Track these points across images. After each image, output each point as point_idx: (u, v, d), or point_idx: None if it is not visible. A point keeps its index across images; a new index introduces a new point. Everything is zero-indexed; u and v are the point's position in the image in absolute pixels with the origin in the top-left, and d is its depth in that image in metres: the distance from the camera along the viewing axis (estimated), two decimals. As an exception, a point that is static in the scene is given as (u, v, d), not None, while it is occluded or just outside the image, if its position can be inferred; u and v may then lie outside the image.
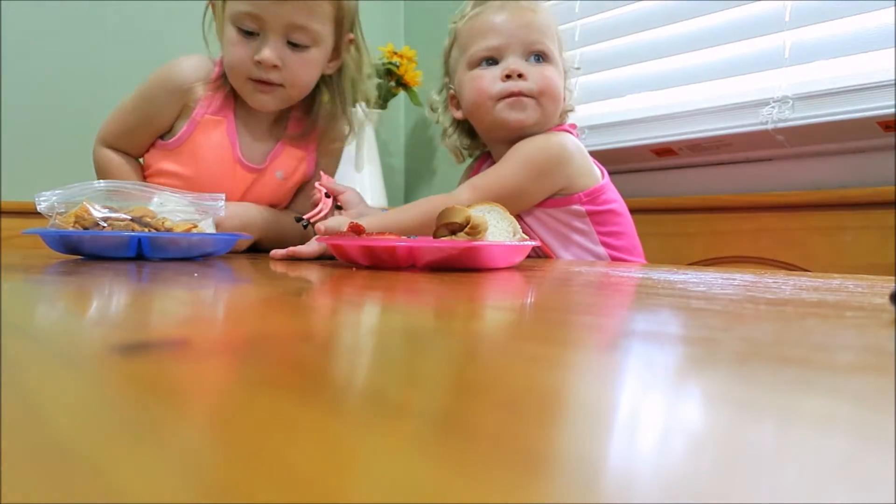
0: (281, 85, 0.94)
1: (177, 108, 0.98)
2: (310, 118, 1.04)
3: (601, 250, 0.96)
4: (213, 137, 0.98)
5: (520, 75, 0.92)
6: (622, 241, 0.97)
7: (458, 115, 1.02)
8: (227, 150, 0.99)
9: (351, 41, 1.02)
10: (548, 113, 0.95)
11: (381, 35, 1.92)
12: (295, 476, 0.10)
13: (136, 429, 0.13)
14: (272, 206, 1.04)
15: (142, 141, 1.01)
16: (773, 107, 1.12)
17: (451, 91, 1.02)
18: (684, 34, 1.28)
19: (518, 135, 0.95)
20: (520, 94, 0.92)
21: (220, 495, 0.10)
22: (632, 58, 1.36)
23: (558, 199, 0.94)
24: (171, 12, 1.60)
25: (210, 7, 0.99)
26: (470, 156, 1.09)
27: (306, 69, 0.96)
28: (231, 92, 0.99)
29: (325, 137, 1.06)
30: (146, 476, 0.10)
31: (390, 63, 1.76)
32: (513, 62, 0.93)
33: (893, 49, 1.00)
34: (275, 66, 0.92)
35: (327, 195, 0.85)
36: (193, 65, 0.99)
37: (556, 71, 0.95)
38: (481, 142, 1.05)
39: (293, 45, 0.93)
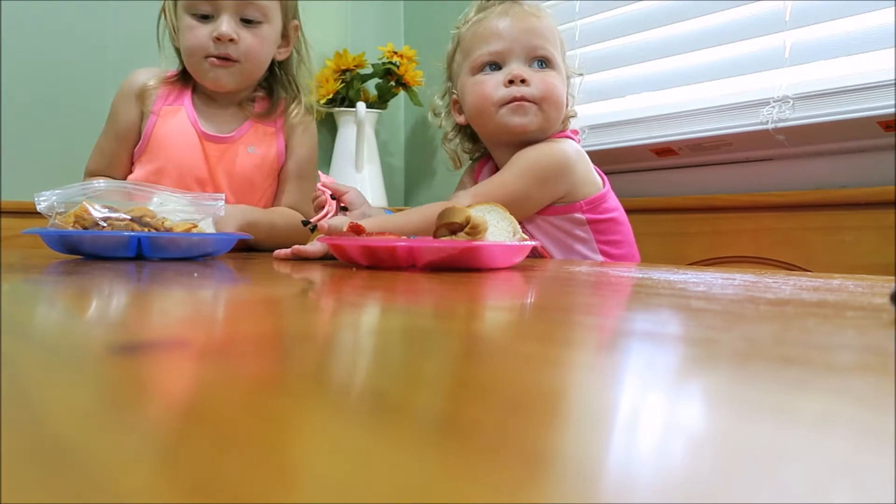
0: (237, 61, 0.99)
1: (137, 110, 1.04)
2: (273, 97, 1.09)
3: (599, 259, 0.96)
4: (174, 123, 1.04)
5: (522, 80, 0.92)
6: (621, 250, 0.97)
7: (461, 119, 1.02)
8: (189, 128, 1.04)
9: (296, 28, 1.08)
10: (550, 119, 0.94)
11: (381, 35, 1.92)
12: (295, 476, 0.10)
13: (135, 429, 0.13)
14: (251, 185, 1.08)
15: (120, 160, 1.07)
16: (773, 107, 1.12)
17: (454, 96, 1.02)
18: (684, 34, 1.28)
19: (520, 140, 0.95)
20: (522, 99, 0.92)
21: (219, 495, 0.10)
22: (632, 58, 1.36)
23: (559, 206, 0.93)
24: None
25: (162, 13, 1.05)
26: (471, 159, 1.09)
27: (260, 44, 1.02)
28: (186, 84, 1.06)
29: (288, 114, 1.11)
30: (146, 476, 0.10)
31: (390, 63, 1.76)
32: (516, 67, 0.93)
33: (893, 49, 1.00)
34: (231, 40, 0.98)
35: (332, 197, 0.85)
36: (144, 71, 1.08)
37: (558, 76, 0.95)
38: (482, 145, 1.05)
39: (246, 23, 1.00)
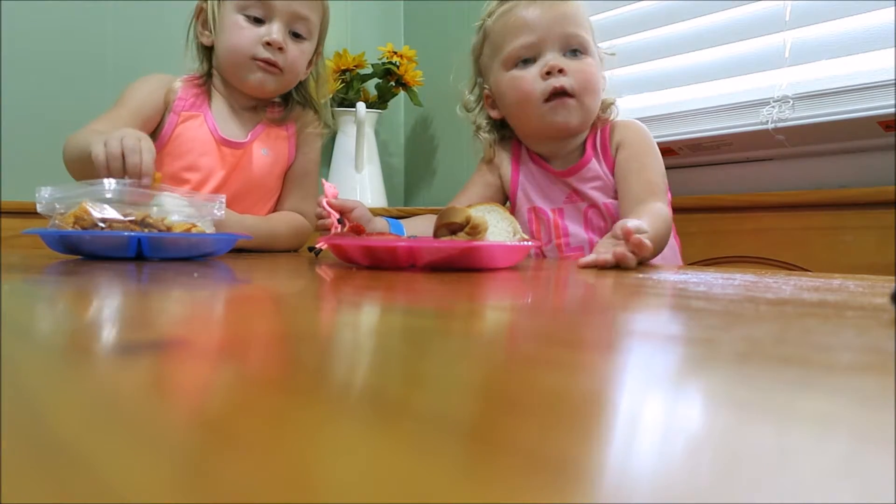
0: (281, 70, 1.00)
1: (162, 99, 1.03)
2: (287, 106, 1.10)
3: (679, 260, 0.96)
4: (195, 129, 1.03)
5: (560, 70, 0.90)
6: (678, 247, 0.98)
7: (495, 114, 1.00)
8: (208, 135, 1.03)
9: (319, 55, 1.10)
10: (589, 110, 0.93)
11: (381, 35, 1.92)
12: (295, 476, 0.10)
13: (135, 429, 0.13)
14: (265, 187, 1.08)
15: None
16: (773, 106, 1.12)
17: (486, 90, 1.00)
18: (684, 34, 1.28)
19: (562, 135, 0.94)
20: (563, 90, 0.90)
21: (219, 496, 0.10)
22: (631, 58, 1.36)
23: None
24: (172, 13, 1.60)
25: (198, 12, 1.04)
26: (503, 149, 1.06)
27: (301, 59, 1.03)
28: (204, 91, 1.05)
29: (301, 121, 1.12)
30: (146, 476, 0.10)
31: (390, 63, 1.75)
32: (552, 58, 0.90)
33: (893, 49, 1.00)
34: (280, 48, 0.98)
35: (339, 220, 0.84)
36: (164, 73, 1.07)
37: (594, 63, 0.94)
38: (512, 134, 1.03)
39: (293, 35, 1.01)
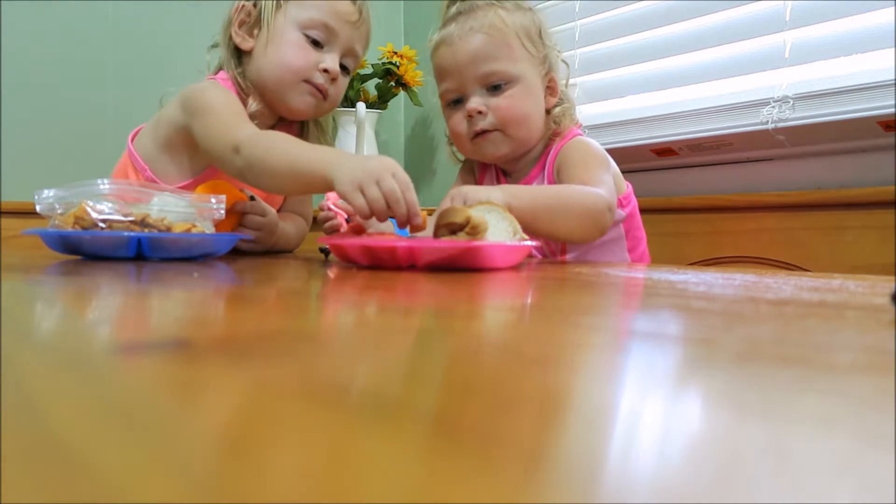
0: (325, 99, 0.97)
1: None
2: (302, 130, 1.07)
3: (626, 258, 0.96)
4: None
5: (480, 112, 0.91)
6: (640, 249, 0.98)
7: None
8: None
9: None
10: (519, 138, 0.93)
11: (381, 35, 1.92)
12: (295, 476, 0.10)
13: (135, 429, 0.13)
14: (273, 203, 1.06)
15: None
16: (773, 106, 1.12)
17: None
18: (684, 34, 1.28)
19: (498, 162, 0.97)
20: (483, 132, 0.91)
21: (219, 496, 0.10)
22: (631, 58, 1.36)
23: None
24: (172, 12, 1.60)
25: (239, 9, 0.97)
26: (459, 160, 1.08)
27: (341, 92, 1.01)
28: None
29: (309, 132, 1.09)
30: (146, 476, 0.10)
31: (390, 63, 1.75)
32: (472, 101, 0.91)
33: (893, 49, 1.00)
34: (334, 80, 0.96)
35: (347, 220, 0.84)
36: (195, 80, 0.99)
37: (520, 89, 0.91)
38: None
39: (341, 68, 0.98)
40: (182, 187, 0.94)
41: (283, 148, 0.79)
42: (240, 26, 0.97)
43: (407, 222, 0.67)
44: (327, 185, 0.71)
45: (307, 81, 0.94)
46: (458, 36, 0.92)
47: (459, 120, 0.94)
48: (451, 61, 0.92)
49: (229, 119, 0.87)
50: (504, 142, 0.92)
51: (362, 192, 0.66)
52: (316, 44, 0.95)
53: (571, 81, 1.03)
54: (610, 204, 0.82)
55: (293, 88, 0.95)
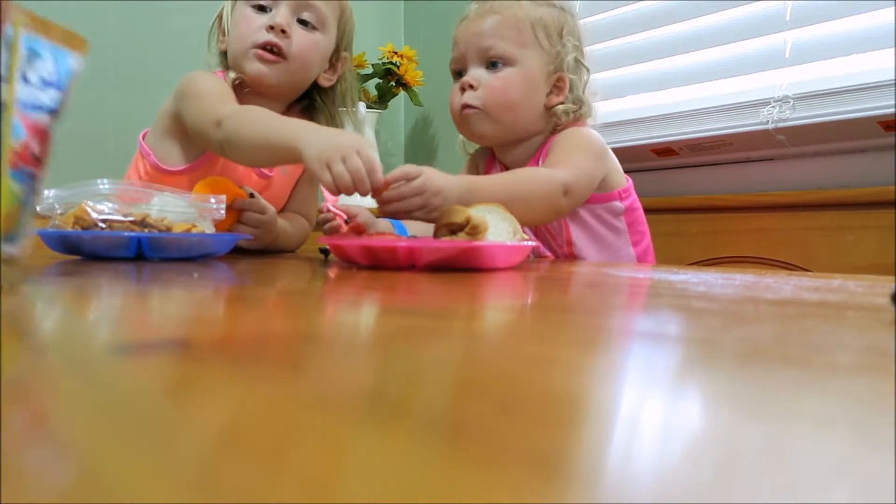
0: (285, 59, 0.95)
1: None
2: (307, 115, 1.06)
3: (631, 252, 0.96)
4: None
5: (472, 87, 0.92)
6: (644, 244, 0.97)
7: None
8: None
9: (345, 61, 1.05)
10: (504, 121, 0.92)
11: (381, 35, 1.92)
12: (295, 476, 0.10)
13: (135, 429, 0.13)
14: (284, 189, 1.07)
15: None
16: (773, 106, 1.12)
17: None
18: (684, 34, 1.28)
19: (483, 143, 0.98)
20: (466, 106, 0.92)
21: (219, 495, 0.10)
22: (632, 58, 1.36)
23: (601, 194, 0.93)
24: (172, 12, 1.60)
25: (218, 17, 1.01)
26: (467, 153, 1.09)
27: (312, 47, 0.97)
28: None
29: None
30: (146, 476, 0.10)
31: (390, 63, 1.76)
32: (469, 74, 0.93)
33: (893, 49, 1.00)
34: (283, 31, 0.94)
35: (347, 221, 0.84)
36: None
37: (516, 73, 0.91)
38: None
39: (301, 24, 0.96)
40: (180, 171, 0.97)
41: (258, 121, 0.81)
42: (223, 35, 1.00)
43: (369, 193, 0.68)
44: (296, 158, 0.72)
45: (255, 46, 0.94)
46: (477, 13, 0.94)
47: (455, 91, 0.95)
48: (462, 33, 0.95)
49: (214, 99, 0.89)
50: (486, 121, 0.92)
51: (329, 168, 0.67)
52: (262, 9, 0.95)
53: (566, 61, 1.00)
54: (567, 186, 0.82)
55: (244, 58, 0.95)
